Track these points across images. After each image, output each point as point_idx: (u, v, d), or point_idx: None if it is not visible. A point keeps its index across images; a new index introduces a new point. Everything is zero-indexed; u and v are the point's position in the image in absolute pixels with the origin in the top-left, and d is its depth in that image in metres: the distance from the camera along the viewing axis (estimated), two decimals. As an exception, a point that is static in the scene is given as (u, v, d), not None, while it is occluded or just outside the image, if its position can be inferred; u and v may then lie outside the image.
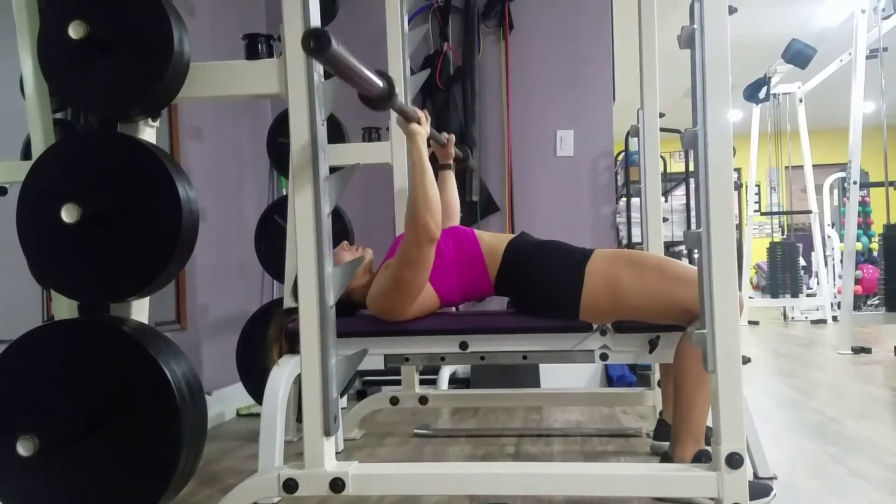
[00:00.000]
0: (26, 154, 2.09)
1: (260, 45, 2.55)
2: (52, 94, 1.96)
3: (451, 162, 2.48)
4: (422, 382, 2.91)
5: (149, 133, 1.67)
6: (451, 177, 2.48)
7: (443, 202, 2.37)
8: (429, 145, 2.05)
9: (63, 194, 1.50)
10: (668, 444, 1.99)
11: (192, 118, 3.09)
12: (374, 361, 2.07)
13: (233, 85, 1.73)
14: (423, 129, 1.92)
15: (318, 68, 1.62)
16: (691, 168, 3.79)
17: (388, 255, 2.12)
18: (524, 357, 2.05)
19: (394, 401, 2.75)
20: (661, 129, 2.72)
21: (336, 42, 1.22)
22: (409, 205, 1.88)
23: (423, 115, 1.93)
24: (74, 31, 1.49)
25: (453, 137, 2.41)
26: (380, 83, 1.52)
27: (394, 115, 2.66)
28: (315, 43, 1.20)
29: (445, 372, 3.42)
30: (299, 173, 1.61)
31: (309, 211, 1.61)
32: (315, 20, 1.62)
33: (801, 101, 7.25)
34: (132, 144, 1.57)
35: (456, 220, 2.46)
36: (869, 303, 6.70)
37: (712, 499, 1.56)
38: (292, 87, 1.61)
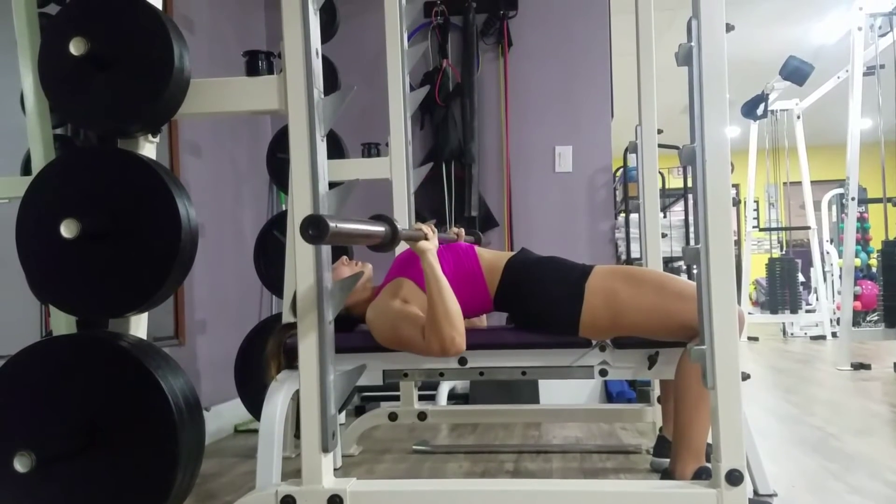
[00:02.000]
0: (26, 169, 2.10)
1: (260, 61, 2.57)
2: (53, 110, 1.97)
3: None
4: (420, 398, 2.90)
5: (148, 149, 1.67)
6: None
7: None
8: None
9: (62, 209, 1.50)
10: (668, 460, 1.98)
11: (191, 134, 3.10)
12: (372, 377, 2.07)
13: (233, 101, 1.74)
14: (432, 244, 1.92)
15: (318, 84, 1.63)
16: (690, 184, 3.81)
17: (389, 273, 2.12)
18: (523, 373, 2.05)
19: (392, 417, 2.74)
20: (660, 145, 2.73)
21: (333, 220, 1.27)
22: (427, 316, 1.87)
23: (428, 230, 1.94)
24: (75, 47, 1.50)
25: (462, 231, 2.41)
26: (381, 230, 1.57)
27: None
28: (314, 230, 1.25)
29: (444, 388, 3.41)
30: (299, 188, 1.62)
31: (308, 226, 1.61)
32: (315, 37, 1.63)
33: (798, 117, 7.29)
34: (132, 160, 1.57)
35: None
36: (868, 319, 6.69)
37: (712, 516, 1.55)
38: (292, 103, 1.62)
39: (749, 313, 7.58)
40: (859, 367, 4.68)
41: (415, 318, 1.91)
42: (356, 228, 1.42)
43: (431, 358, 1.99)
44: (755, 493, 1.94)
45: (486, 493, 1.67)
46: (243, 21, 3.71)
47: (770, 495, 1.93)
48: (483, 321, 2.39)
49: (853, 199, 4.92)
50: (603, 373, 2.00)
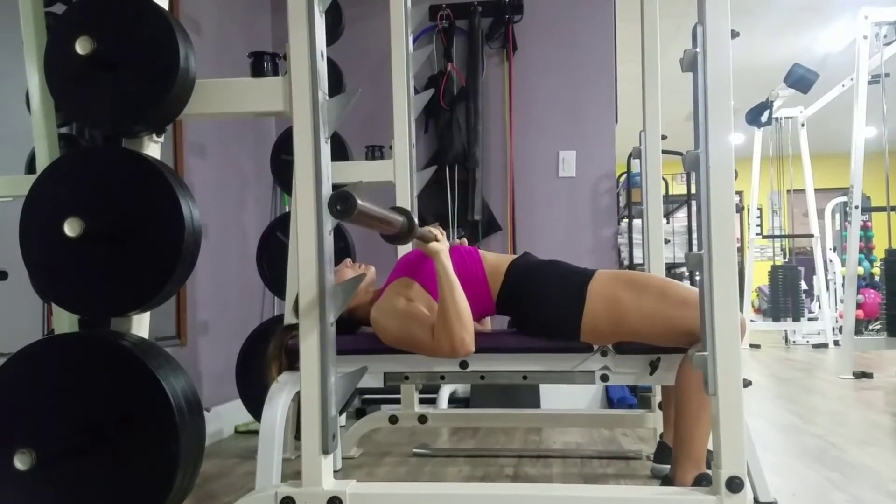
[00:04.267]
0: (31, 168, 2.10)
1: (265, 63, 2.56)
2: (58, 109, 1.97)
3: None
4: (421, 401, 2.90)
5: (153, 149, 1.68)
6: None
7: None
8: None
9: (66, 208, 1.50)
10: (668, 467, 1.97)
11: (196, 135, 3.10)
12: (373, 379, 2.07)
13: (237, 102, 1.74)
14: (443, 245, 1.94)
15: (323, 86, 1.63)
16: (693, 190, 3.80)
17: (392, 274, 2.12)
18: (524, 377, 2.04)
19: (393, 419, 2.74)
20: (664, 152, 2.73)
21: (360, 199, 1.33)
22: (438, 315, 1.88)
23: (437, 232, 1.96)
24: (81, 47, 1.50)
25: (465, 241, 2.42)
26: (400, 219, 1.62)
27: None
28: (342, 205, 1.32)
29: (445, 391, 3.41)
30: (302, 190, 1.62)
31: (311, 228, 1.62)
32: (321, 40, 1.63)
33: (803, 125, 7.28)
34: (136, 160, 1.57)
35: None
36: (871, 328, 6.67)
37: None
38: (296, 105, 1.62)
39: (751, 321, 7.57)
40: (861, 375, 4.67)
41: (423, 317, 1.91)
42: (379, 212, 1.47)
43: (433, 360, 1.99)
44: (755, 500, 1.93)
45: (486, 497, 1.67)
46: (249, 22, 3.72)
47: (770, 503, 1.93)
48: (487, 325, 2.39)
49: (857, 207, 4.92)
50: (604, 378, 2.00)
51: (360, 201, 1.32)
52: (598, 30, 3.82)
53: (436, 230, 1.96)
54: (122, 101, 1.57)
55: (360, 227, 1.51)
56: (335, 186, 1.67)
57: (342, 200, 1.31)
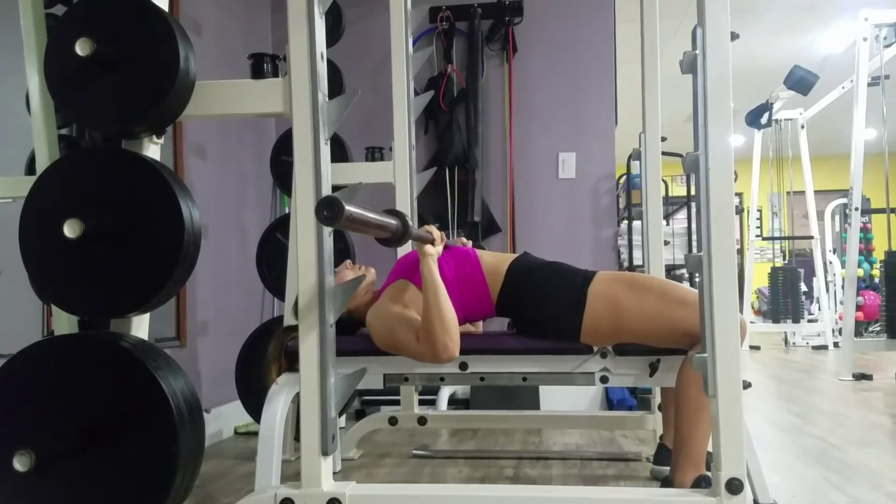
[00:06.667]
0: (31, 169, 2.10)
1: (265, 64, 2.57)
2: (58, 111, 1.98)
3: None
4: (421, 403, 2.90)
5: (153, 150, 1.68)
6: None
7: None
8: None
9: (66, 209, 1.50)
10: (668, 468, 1.97)
11: (196, 136, 3.10)
12: (373, 381, 2.06)
13: (237, 103, 1.74)
14: (436, 250, 1.93)
15: (323, 88, 1.63)
16: (693, 192, 3.81)
17: (389, 276, 2.12)
18: (524, 379, 2.04)
19: (392, 421, 2.74)
20: (663, 153, 2.73)
21: (348, 204, 1.27)
22: (422, 320, 1.87)
23: (437, 235, 1.95)
24: (81, 48, 1.50)
25: (470, 243, 2.42)
26: (394, 223, 1.57)
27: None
28: (329, 212, 1.25)
29: (445, 392, 3.41)
30: (302, 192, 1.62)
31: (311, 229, 1.62)
32: (321, 41, 1.63)
33: (802, 127, 7.28)
34: (136, 161, 1.58)
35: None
36: (870, 329, 6.66)
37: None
38: (296, 106, 1.62)
39: (751, 322, 7.56)
40: (861, 377, 4.67)
41: (411, 321, 1.91)
42: (369, 217, 1.43)
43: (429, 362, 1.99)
44: (755, 502, 1.93)
45: (486, 498, 1.67)
46: (249, 24, 3.72)
47: (770, 505, 1.93)
48: (479, 327, 2.39)
49: (856, 209, 4.92)
50: (604, 380, 2.00)
51: (348, 207, 1.27)
52: (597, 31, 3.82)
53: (436, 232, 1.95)
54: (122, 103, 1.57)
55: (353, 232, 1.49)
56: (335, 188, 1.67)
57: (329, 206, 1.26)
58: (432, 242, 1.93)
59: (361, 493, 1.62)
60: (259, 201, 3.70)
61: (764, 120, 6.75)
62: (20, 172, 2.20)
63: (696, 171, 1.54)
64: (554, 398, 3.53)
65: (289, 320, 2.29)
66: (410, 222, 1.61)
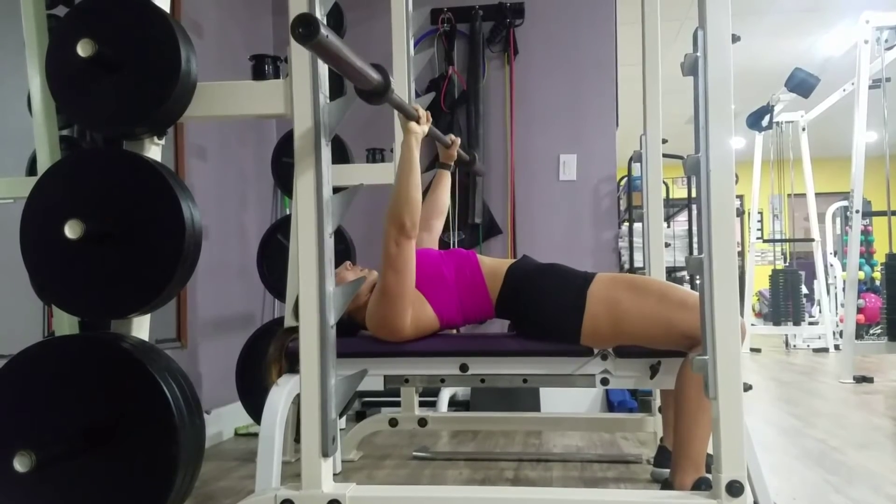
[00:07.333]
0: (32, 170, 2.10)
1: (266, 65, 2.57)
2: (59, 112, 1.98)
3: (452, 163, 2.49)
4: (421, 404, 2.90)
5: (154, 151, 1.68)
6: (447, 177, 2.48)
7: (433, 200, 2.41)
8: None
9: (67, 210, 1.51)
10: (668, 470, 1.97)
11: (197, 137, 3.10)
12: (373, 382, 2.06)
13: (239, 105, 1.74)
14: (421, 129, 1.93)
15: (324, 89, 1.63)
16: (694, 194, 3.80)
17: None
18: (524, 380, 2.04)
19: (393, 422, 2.74)
20: (664, 155, 2.73)
21: (326, 30, 1.20)
22: (390, 201, 1.87)
23: (423, 114, 1.93)
24: (83, 49, 1.50)
25: (458, 140, 2.41)
26: (375, 76, 1.50)
27: (397, 117, 2.68)
28: (304, 29, 1.18)
29: (445, 394, 3.40)
30: (302, 193, 1.62)
31: (311, 230, 1.62)
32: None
33: (803, 129, 7.28)
34: (137, 162, 1.58)
35: (442, 219, 2.45)
36: (871, 332, 6.66)
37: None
38: (298, 107, 1.62)
39: (752, 325, 7.56)
40: (862, 380, 4.67)
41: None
42: (347, 53, 1.32)
43: (433, 362, 1.99)
44: (755, 504, 1.93)
45: (486, 500, 1.67)
46: (251, 25, 3.73)
47: (770, 507, 1.92)
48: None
49: (857, 211, 4.91)
50: (604, 382, 1.99)
51: (326, 32, 1.17)
52: (598, 33, 3.82)
53: (421, 111, 1.93)
54: (123, 104, 1.58)
55: (329, 66, 1.37)
56: (336, 189, 1.67)
57: (305, 23, 1.16)
58: (417, 120, 1.91)
59: (362, 494, 1.62)
60: (260, 202, 3.70)
61: (765, 122, 6.74)
62: (21, 173, 2.20)
63: (697, 173, 1.54)
64: (554, 400, 3.53)
65: (289, 321, 2.29)
66: (392, 85, 1.56)
